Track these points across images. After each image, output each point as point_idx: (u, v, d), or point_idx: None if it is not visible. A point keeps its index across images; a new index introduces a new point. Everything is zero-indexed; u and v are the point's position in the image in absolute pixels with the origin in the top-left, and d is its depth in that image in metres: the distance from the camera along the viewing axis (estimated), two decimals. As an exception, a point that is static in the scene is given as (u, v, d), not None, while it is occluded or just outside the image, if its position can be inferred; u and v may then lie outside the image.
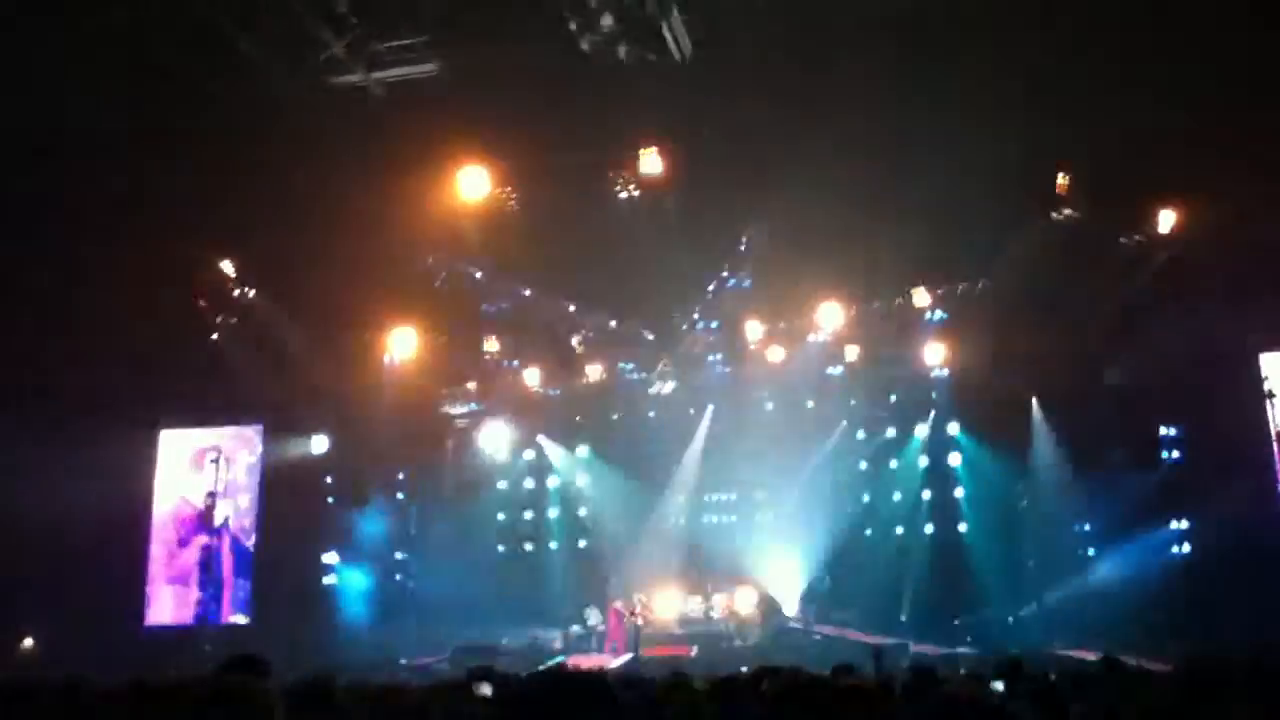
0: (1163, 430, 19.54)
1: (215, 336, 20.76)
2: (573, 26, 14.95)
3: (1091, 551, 19.71)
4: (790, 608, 21.37)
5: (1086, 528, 19.87)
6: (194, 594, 21.60)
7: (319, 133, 17.24)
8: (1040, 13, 14.93)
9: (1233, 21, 14.27)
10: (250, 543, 21.78)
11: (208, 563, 21.65)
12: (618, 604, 20.83)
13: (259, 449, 22.21)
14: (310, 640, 18.90)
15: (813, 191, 17.37)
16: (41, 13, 14.25)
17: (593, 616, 21.01)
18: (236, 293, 20.88)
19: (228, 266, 20.54)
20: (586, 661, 15.91)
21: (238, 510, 22.08)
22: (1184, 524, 19.03)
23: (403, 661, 18.83)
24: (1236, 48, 14.42)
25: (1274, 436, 18.39)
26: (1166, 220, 18.18)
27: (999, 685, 5.73)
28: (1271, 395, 18.56)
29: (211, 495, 21.99)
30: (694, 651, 18.90)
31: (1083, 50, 15.13)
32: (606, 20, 14.97)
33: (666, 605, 21.41)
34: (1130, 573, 18.50)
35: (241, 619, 21.32)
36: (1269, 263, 16.12)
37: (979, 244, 18.95)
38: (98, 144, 16.04)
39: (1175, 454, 19.44)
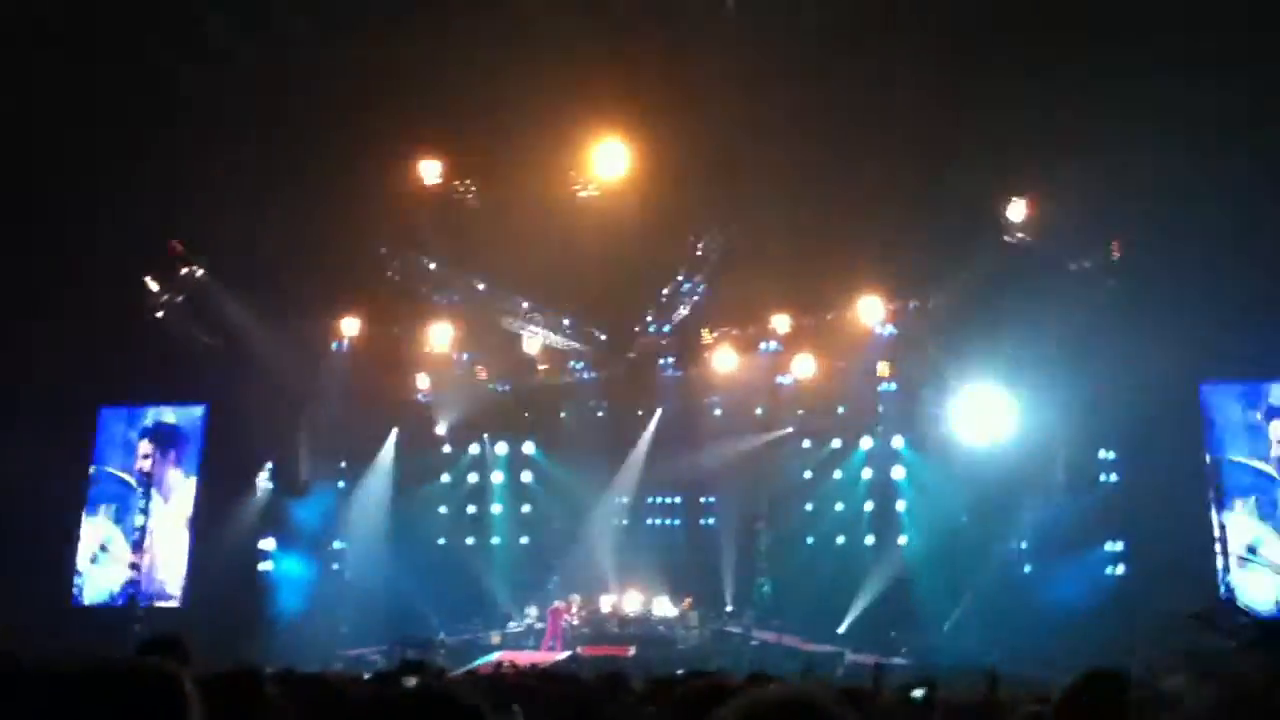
0: (1101, 453, 19.85)
1: (160, 315, 20.45)
2: None
3: (1028, 569, 19.96)
4: (730, 612, 21.43)
5: (1024, 545, 20.11)
6: (126, 574, 21.22)
7: (276, 114, 17.09)
8: (1005, 44, 15.14)
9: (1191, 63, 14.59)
10: (186, 525, 21.44)
11: (142, 543, 21.29)
12: (557, 602, 20.81)
13: (200, 430, 21.89)
14: (243, 627, 18.69)
15: (771, 201, 17.53)
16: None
17: (532, 613, 20.96)
18: (184, 271, 20.59)
19: (176, 245, 20.23)
20: (522, 658, 15.83)
21: (175, 491, 21.73)
22: (1119, 545, 19.36)
23: (337, 652, 18.67)
24: (1192, 90, 14.72)
25: (1209, 463, 18.75)
26: (1117, 249, 18.54)
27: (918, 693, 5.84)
28: (1210, 424, 18.92)
29: (149, 475, 21.61)
30: (632, 651, 18.91)
31: (1046, 82, 15.37)
32: None
33: (606, 605, 21.43)
34: (1067, 591, 18.77)
35: (174, 602, 21.00)
36: (1212, 296, 16.44)
37: (932, 262, 19.16)
38: (51, 121, 15.77)
39: (1113, 477, 19.75)
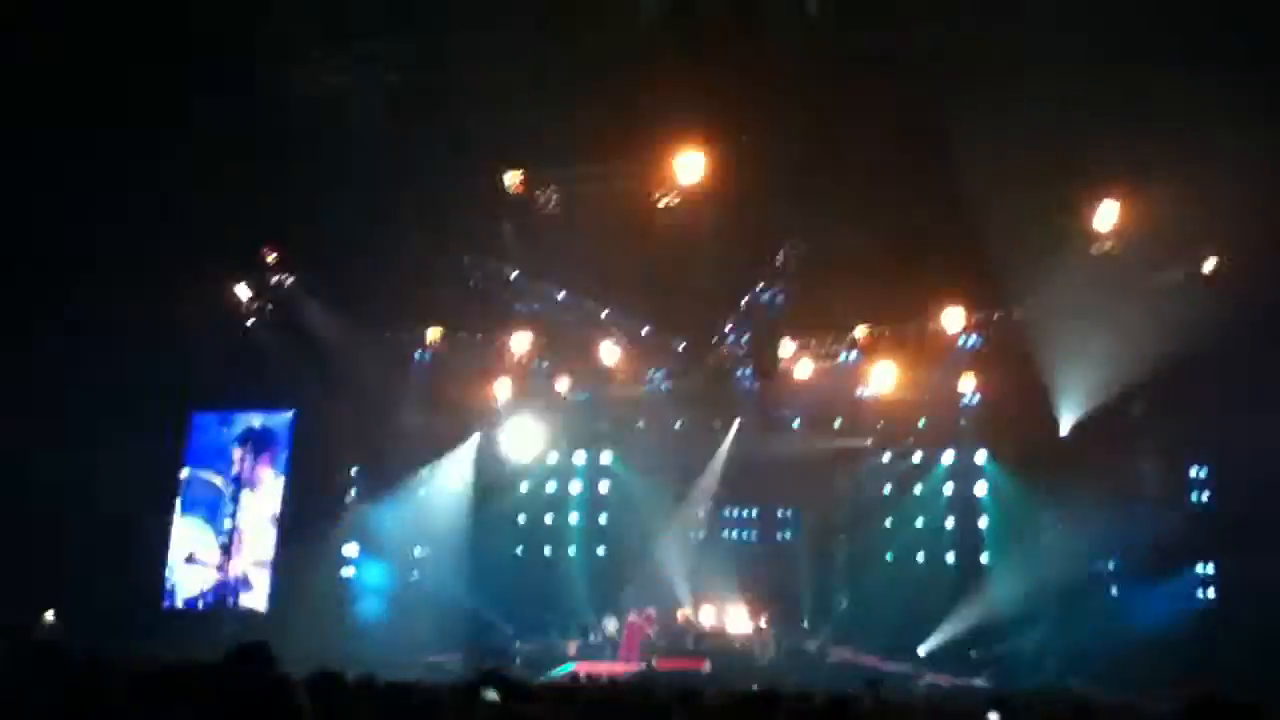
0: (1193, 472, 19.28)
1: (251, 322, 20.96)
2: None
3: (1115, 591, 19.45)
4: (806, 628, 21.25)
5: (1111, 566, 19.61)
6: (215, 577, 21.78)
7: (364, 126, 17.45)
8: (1100, 49, 14.85)
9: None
10: (274, 530, 21.94)
11: (230, 547, 21.84)
12: (633, 614, 20.83)
13: (289, 436, 22.39)
14: (326, 631, 19.04)
15: (852, 209, 17.37)
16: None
17: (610, 625, 20.99)
18: (274, 279, 21.08)
19: (268, 256, 20.73)
20: (598, 669, 15.89)
21: (266, 490, 22.25)
22: (1209, 568, 18.78)
23: (415, 659, 18.89)
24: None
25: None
26: (1210, 261, 18.06)
27: (994, 716, 5.75)
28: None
29: (238, 479, 22.18)
30: (707, 666, 18.84)
31: (1137, 87, 15.03)
32: None
33: (681, 618, 21.39)
34: (1154, 615, 18.29)
35: (260, 605, 21.48)
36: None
37: (1017, 272, 18.81)
38: (144, 133, 16.25)
39: (1204, 496, 19.18)
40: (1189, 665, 15.14)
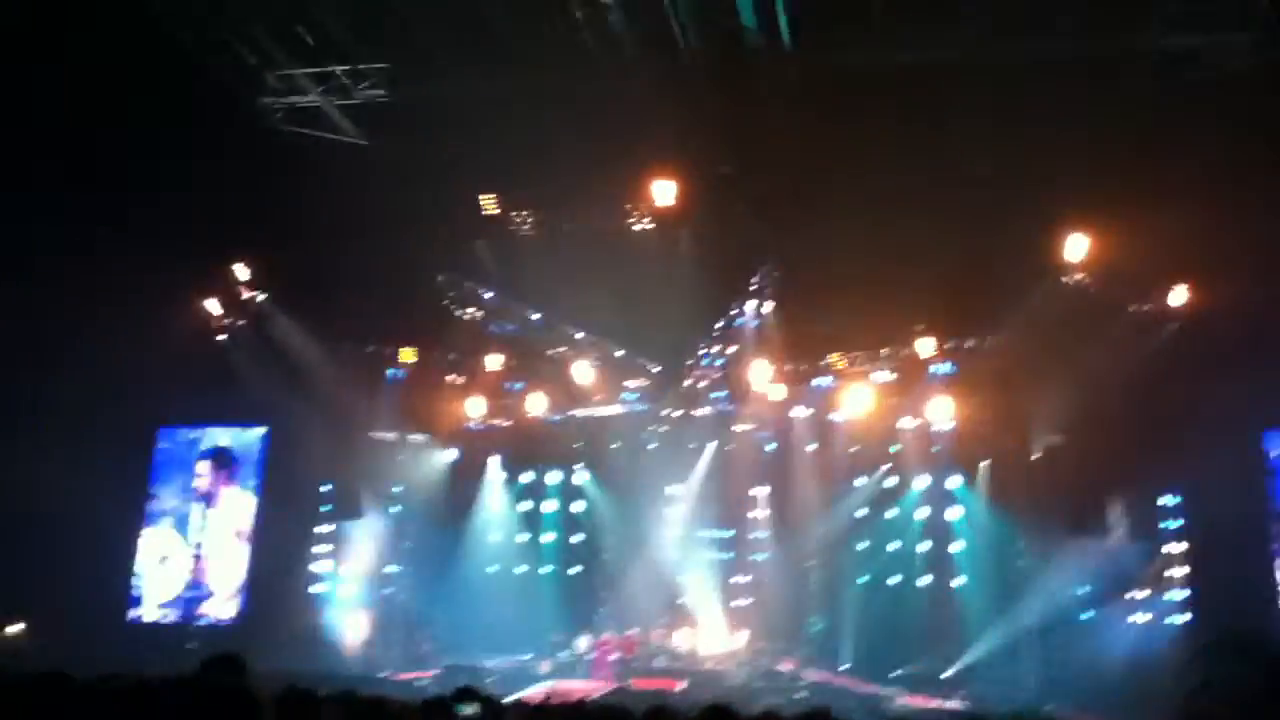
0: (1162, 500, 19.46)
1: (223, 338, 20.83)
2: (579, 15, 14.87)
3: (1088, 615, 19.55)
4: (781, 649, 21.22)
5: (1084, 590, 19.72)
6: (183, 592, 21.53)
7: (339, 146, 17.44)
8: (1065, 85, 15.06)
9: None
10: (244, 545, 21.73)
11: (199, 560, 21.61)
12: (607, 634, 20.75)
13: (260, 451, 22.22)
14: (296, 647, 18.85)
15: (829, 235, 17.50)
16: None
17: (582, 644, 20.91)
18: (246, 296, 20.97)
19: (240, 270, 20.62)
20: (571, 689, 15.79)
21: (233, 510, 22.04)
22: (1181, 594, 18.93)
23: (385, 675, 18.75)
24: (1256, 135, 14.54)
25: (1275, 512, 18.32)
26: (1179, 293, 18.30)
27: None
28: (1275, 471, 18.52)
29: (208, 494, 21.98)
30: (681, 686, 18.78)
31: (1108, 121, 15.25)
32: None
33: (656, 638, 21.35)
34: (1126, 639, 18.43)
35: (229, 620, 21.24)
36: (1272, 340, 16.13)
37: (990, 300, 18.99)
38: (117, 147, 16.16)
39: (1174, 524, 19.35)
40: (1162, 690, 15.20)
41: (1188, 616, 18.74)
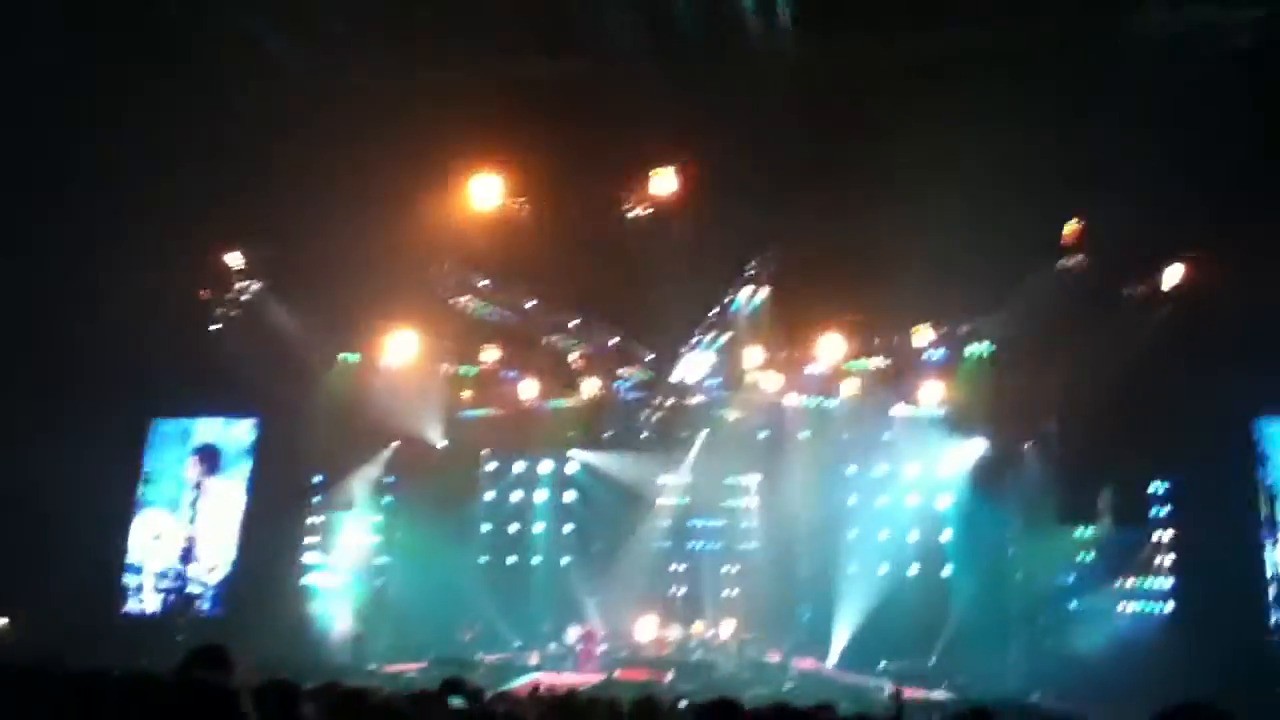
0: (1152, 487, 19.48)
1: (215, 328, 20.78)
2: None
3: (1075, 604, 19.59)
4: (769, 639, 21.28)
5: (1071, 579, 19.76)
6: (173, 584, 21.54)
7: (334, 131, 17.35)
8: (1059, 65, 15.03)
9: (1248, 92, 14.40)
10: (234, 537, 21.73)
11: (189, 553, 21.62)
12: (595, 625, 20.79)
13: (251, 442, 22.20)
14: (285, 639, 18.88)
15: (824, 223, 17.48)
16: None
17: (571, 635, 20.93)
18: (240, 285, 20.91)
19: (234, 259, 20.55)
20: (560, 679, 15.83)
21: (224, 502, 22.03)
22: (1169, 582, 18.99)
23: (373, 668, 18.77)
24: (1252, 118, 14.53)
25: (1264, 500, 18.37)
26: (1172, 276, 18.28)
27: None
28: (1264, 459, 18.57)
29: (199, 486, 21.98)
30: (669, 677, 18.82)
31: (1101, 106, 15.23)
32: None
33: (645, 628, 21.40)
34: (1114, 627, 18.50)
35: (218, 613, 21.25)
36: (1269, 328, 16.14)
37: (985, 286, 18.99)
38: (106, 133, 16.09)
39: (1164, 511, 19.39)
40: (1149, 678, 15.29)
41: (1171, 606, 18.83)
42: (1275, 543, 18.10)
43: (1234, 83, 14.44)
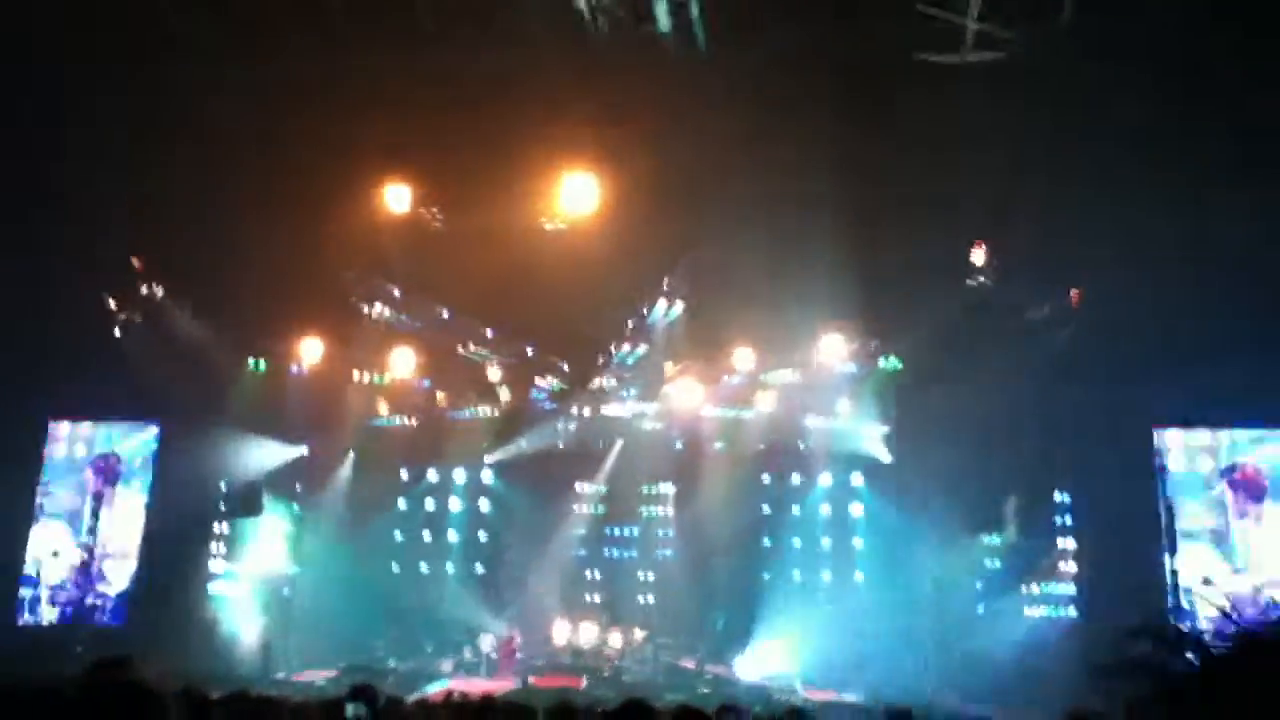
0: (1056, 497, 20.06)
1: (117, 332, 20.25)
2: None
3: (982, 609, 20.05)
4: (684, 645, 21.37)
5: (980, 585, 20.23)
6: (71, 594, 20.83)
7: (244, 135, 17.02)
8: (965, 92, 15.40)
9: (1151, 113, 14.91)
10: (136, 545, 21.09)
11: (88, 563, 20.93)
12: (509, 632, 20.68)
13: (153, 449, 21.60)
14: (190, 649, 18.44)
15: (738, 237, 17.64)
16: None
17: (486, 643, 20.78)
18: (144, 290, 20.41)
19: (135, 263, 20.06)
20: (473, 686, 15.63)
21: (125, 512, 21.39)
22: (1071, 588, 19.55)
23: (282, 676, 18.43)
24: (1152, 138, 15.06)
25: (1163, 509, 18.97)
26: (1071, 299, 18.89)
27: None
28: (1163, 470, 19.20)
29: (99, 493, 21.31)
30: (584, 683, 18.80)
31: (1004, 131, 15.64)
32: None
33: (559, 635, 21.36)
34: (1019, 631, 18.98)
35: (119, 624, 20.60)
36: (1167, 343, 16.73)
37: (896, 302, 19.37)
38: (16, 126, 15.62)
39: (1067, 520, 19.96)
40: (1054, 681, 15.66)
41: (1074, 611, 19.39)
42: (1174, 552, 18.70)
43: (1128, 108, 14.96)
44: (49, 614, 20.78)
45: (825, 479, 22.25)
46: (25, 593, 20.91)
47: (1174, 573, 18.59)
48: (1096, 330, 18.02)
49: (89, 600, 20.76)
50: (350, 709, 5.78)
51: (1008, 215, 17.27)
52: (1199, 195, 15.59)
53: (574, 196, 18.12)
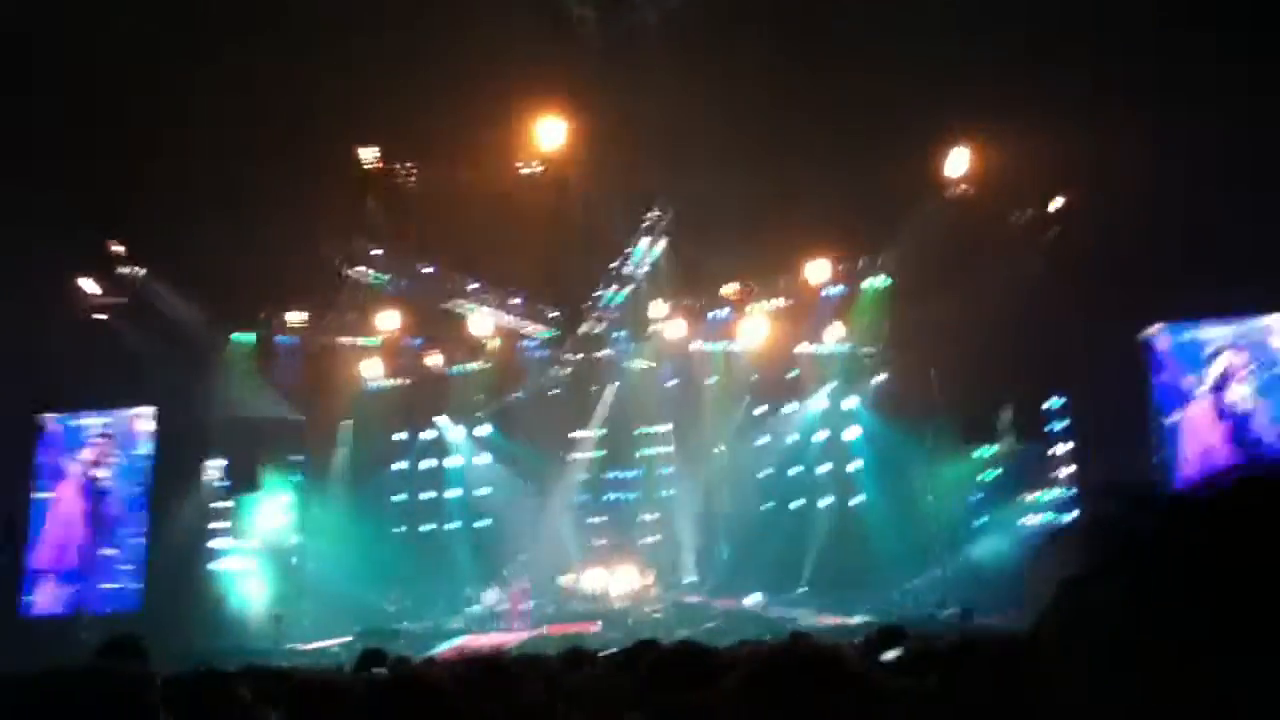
0: (1049, 402, 20.10)
1: (102, 317, 20.12)
2: None
3: (983, 520, 20.21)
4: (690, 581, 21.57)
5: (979, 497, 20.37)
6: (75, 582, 20.88)
7: (211, 105, 16.81)
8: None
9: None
10: (140, 528, 21.14)
11: (93, 548, 20.98)
12: (520, 583, 20.85)
13: (151, 431, 21.57)
14: (201, 627, 18.54)
15: (716, 168, 17.52)
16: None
17: (492, 596, 20.93)
18: (123, 272, 20.25)
19: (116, 246, 19.88)
20: (485, 641, 15.84)
21: (126, 494, 21.41)
22: (1070, 492, 19.67)
23: (290, 646, 18.53)
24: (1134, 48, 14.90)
25: (1153, 406, 19.05)
26: (1055, 200, 18.78)
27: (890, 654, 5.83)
28: (1158, 369, 19.23)
29: (98, 480, 21.30)
30: (596, 627, 18.99)
31: (983, 35, 15.46)
32: None
33: (568, 582, 21.53)
34: (1016, 541, 19.15)
35: (126, 607, 20.66)
36: (1150, 244, 16.68)
37: (879, 220, 19.31)
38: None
39: (1059, 425, 20.02)
40: (1054, 588, 15.81)
41: (1074, 515, 19.53)
42: (1166, 445, 18.79)
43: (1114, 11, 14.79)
44: (53, 602, 20.84)
45: (819, 404, 22.28)
46: (35, 582, 21.00)
47: (1167, 469, 18.67)
48: (1082, 231, 17.96)
49: (97, 586, 20.83)
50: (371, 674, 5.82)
51: (984, 120, 17.16)
52: (1176, 89, 15.46)
53: (548, 138, 17.95)
